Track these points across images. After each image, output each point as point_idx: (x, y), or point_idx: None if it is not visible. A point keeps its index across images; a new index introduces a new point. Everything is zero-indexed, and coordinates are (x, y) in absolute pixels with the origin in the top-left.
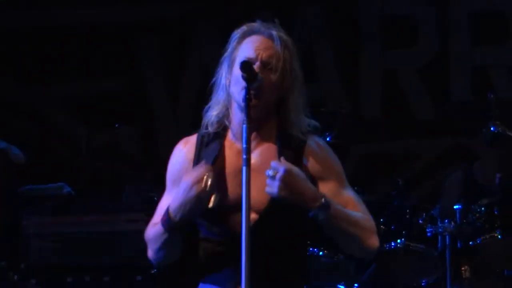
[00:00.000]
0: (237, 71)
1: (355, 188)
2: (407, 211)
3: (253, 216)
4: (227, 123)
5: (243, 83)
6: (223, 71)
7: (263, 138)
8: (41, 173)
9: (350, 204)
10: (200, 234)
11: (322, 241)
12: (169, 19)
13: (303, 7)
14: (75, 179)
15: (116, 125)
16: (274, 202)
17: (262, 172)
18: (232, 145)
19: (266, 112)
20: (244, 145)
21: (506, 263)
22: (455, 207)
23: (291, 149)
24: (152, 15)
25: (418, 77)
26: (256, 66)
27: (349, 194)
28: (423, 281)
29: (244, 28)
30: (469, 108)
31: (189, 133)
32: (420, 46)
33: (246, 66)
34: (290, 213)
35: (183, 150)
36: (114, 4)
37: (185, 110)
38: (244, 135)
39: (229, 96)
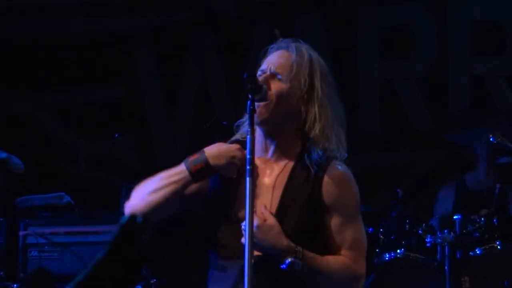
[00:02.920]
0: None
1: None
2: (407, 221)
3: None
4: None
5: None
6: None
7: (283, 153)
8: (38, 183)
9: (346, 245)
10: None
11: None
12: (167, 29)
13: (301, 17)
14: (72, 189)
15: (116, 135)
16: (280, 223)
17: (265, 192)
18: (257, 160)
19: (282, 123)
20: (248, 156)
21: (506, 273)
22: (454, 217)
23: (309, 173)
24: (149, 25)
25: (416, 87)
26: (264, 76)
27: (351, 234)
28: None
29: (272, 46)
30: (467, 118)
31: (185, 142)
32: (418, 56)
33: (249, 77)
34: (294, 236)
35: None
36: (112, 13)
37: (182, 119)
38: (248, 146)
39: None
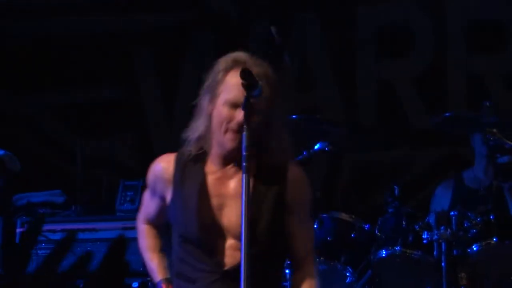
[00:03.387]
0: (221, 108)
1: (352, 196)
2: (403, 218)
3: (232, 241)
4: (207, 149)
5: (224, 122)
6: (206, 99)
7: (240, 165)
8: (36, 182)
9: (306, 239)
10: (181, 252)
11: (318, 248)
12: (165, 29)
13: (299, 16)
14: (69, 187)
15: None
16: (252, 226)
17: (240, 198)
18: (214, 172)
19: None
20: (244, 153)
21: (502, 270)
22: (451, 213)
23: (272, 176)
24: (147, 25)
25: (414, 86)
26: (240, 113)
27: (309, 232)
28: None
29: (228, 60)
30: (464, 117)
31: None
32: (416, 55)
33: (245, 73)
34: (267, 237)
35: (161, 166)
36: (110, 13)
37: (180, 119)
38: (244, 143)
39: (210, 123)
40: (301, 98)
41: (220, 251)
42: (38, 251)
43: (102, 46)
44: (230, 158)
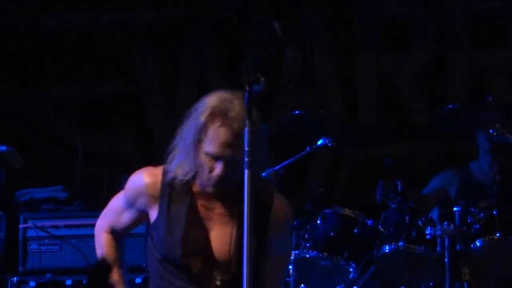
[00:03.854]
0: (203, 156)
1: (355, 192)
2: (406, 213)
3: (216, 265)
4: (195, 175)
5: (206, 171)
6: (190, 135)
7: (226, 191)
8: (37, 178)
9: (284, 269)
10: (161, 270)
11: (321, 243)
12: (165, 24)
13: (300, 11)
14: (71, 183)
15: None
16: (238, 250)
17: (226, 223)
18: (201, 196)
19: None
20: (246, 148)
21: (505, 265)
22: (454, 209)
23: (257, 201)
24: (147, 20)
25: (414, 81)
26: (220, 164)
27: (286, 252)
28: (423, 283)
29: (215, 105)
30: (466, 111)
31: None
32: (417, 50)
33: (247, 69)
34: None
35: (148, 181)
36: (110, 9)
37: (180, 114)
38: (246, 138)
39: (198, 154)
40: (302, 94)
41: (203, 274)
42: (41, 247)
43: (102, 42)
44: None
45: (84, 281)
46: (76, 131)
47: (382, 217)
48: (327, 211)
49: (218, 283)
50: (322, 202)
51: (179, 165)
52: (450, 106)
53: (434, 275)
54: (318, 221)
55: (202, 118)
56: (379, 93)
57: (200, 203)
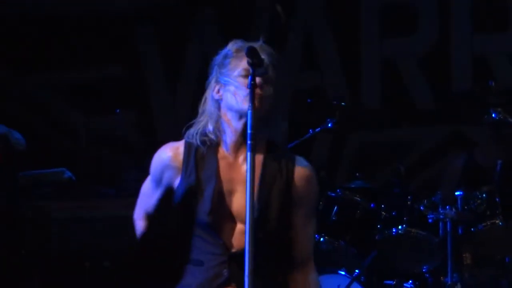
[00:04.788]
0: (240, 80)
1: (357, 174)
2: (408, 197)
3: (241, 225)
4: (218, 135)
5: (243, 88)
6: (214, 86)
7: (258, 151)
8: (40, 160)
9: (309, 238)
10: (190, 237)
11: (323, 227)
12: (168, 5)
13: None
14: (74, 165)
15: (117, 111)
16: (262, 210)
17: (256, 186)
18: (225, 157)
19: (262, 123)
20: (249, 131)
21: (507, 250)
22: (456, 193)
23: (280, 165)
24: (150, 2)
25: (418, 66)
26: (262, 80)
27: (311, 229)
28: (424, 267)
29: (234, 44)
30: (469, 96)
31: (187, 119)
32: (421, 34)
33: (252, 51)
34: (276, 223)
35: (170, 154)
36: None
37: (183, 96)
38: (249, 121)
39: (220, 109)
40: (305, 77)
41: (229, 235)
42: (44, 230)
43: (105, 24)
44: (240, 138)
45: (85, 264)
46: (78, 113)
47: (384, 201)
48: (329, 195)
49: (242, 243)
50: (323, 186)
51: (201, 127)
52: (453, 91)
53: (436, 259)
54: (320, 205)
55: (226, 58)
56: (383, 78)
57: (225, 164)
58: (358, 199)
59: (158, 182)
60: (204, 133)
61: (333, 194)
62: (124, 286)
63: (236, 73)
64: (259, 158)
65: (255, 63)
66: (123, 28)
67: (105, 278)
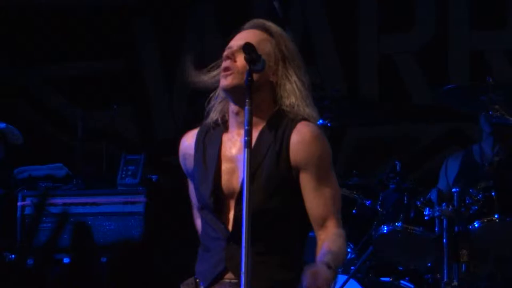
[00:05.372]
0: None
1: (354, 172)
2: (405, 194)
3: (240, 205)
4: (225, 115)
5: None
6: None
7: (257, 123)
8: (37, 155)
9: (325, 198)
10: (202, 223)
11: None
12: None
13: None
14: (70, 160)
15: (114, 107)
16: (266, 186)
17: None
18: (230, 137)
19: (258, 96)
20: (246, 127)
21: (503, 246)
22: (452, 190)
23: (276, 133)
24: None
25: (415, 61)
26: (231, 51)
27: (329, 191)
28: (421, 264)
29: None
30: (467, 92)
31: (184, 115)
32: (418, 30)
33: (248, 47)
34: (263, 193)
35: (185, 143)
36: None
37: (181, 91)
38: (246, 117)
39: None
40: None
41: (229, 216)
42: (39, 225)
43: (102, 18)
44: (240, 121)
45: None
46: (76, 108)
47: (380, 198)
48: None
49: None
50: None
51: (213, 100)
52: (451, 86)
53: (432, 256)
54: None
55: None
56: (380, 72)
57: (230, 143)
58: (355, 195)
59: (188, 174)
60: (215, 113)
61: None
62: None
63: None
64: (257, 130)
65: (252, 59)
66: (121, 23)
67: (102, 274)
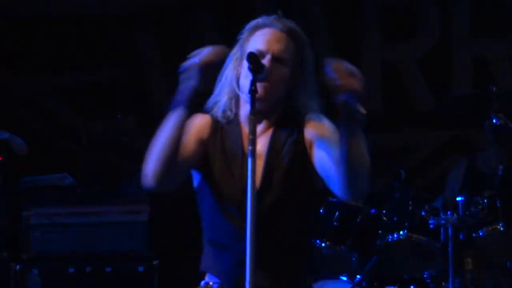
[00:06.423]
0: (246, 63)
1: None
2: (409, 202)
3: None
4: (238, 110)
5: (250, 75)
6: (232, 64)
7: (267, 127)
8: (40, 164)
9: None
10: (214, 217)
11: (324, 232)
12: (168, 7)
13: None
14: (74, 170)
15: (119, 117)
16: (268, 175)
17: (263, 158)
18: (245, 132)
19: (274, 105)
20: (250, 136)
21: (508, 255)
22: (457, 199)
23: (288, 125)
24: (150, 3)
25: (418, 69)
26: (267, 60)
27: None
28: (426, 273)
29: (258, 20)
30: (470, 100)
31: None
32: (421, 37)
33: (252, 57)
34: (292, 199)
35: (204, 120)
36: None
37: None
38: (250, 126)
39: (236, 88)
40: None
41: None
42: (44, 235)
43: (105, 26)
44: (259, 116)
45: (87, 269)
46: (79, 117)
47: (384, 206)
48: (330, 200)
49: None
50: (324, 191)
51: (221, 97)
52: (454, 94)
53: (437, 264)
54: (321, 210)
55: (245, 35)
56: (383, 80)
57: (247, 139)
58: (359, 204)
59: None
60: (225, 109)
61: (334, 200)
62: None
63: (246, 52)
64: (269, 131)
65: (256, 69)
66: (123, 31)
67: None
